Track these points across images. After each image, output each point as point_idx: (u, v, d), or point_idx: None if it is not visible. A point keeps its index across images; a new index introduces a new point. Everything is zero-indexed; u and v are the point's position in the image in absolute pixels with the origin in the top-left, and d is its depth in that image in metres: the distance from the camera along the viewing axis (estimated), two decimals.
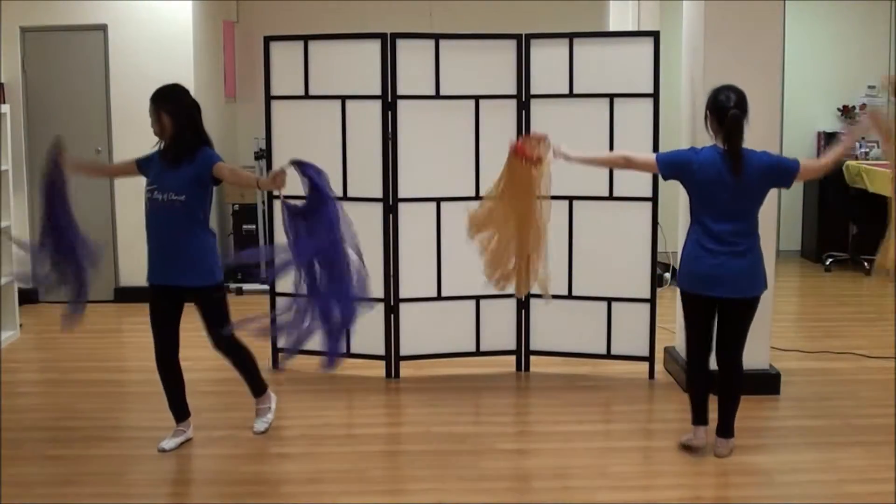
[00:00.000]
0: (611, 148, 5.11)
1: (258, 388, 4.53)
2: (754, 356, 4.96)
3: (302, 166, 3.84)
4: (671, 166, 4.01)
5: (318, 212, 3.84)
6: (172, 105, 4.17)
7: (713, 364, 4.13)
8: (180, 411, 4.39)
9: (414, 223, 5.25)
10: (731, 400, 4.12)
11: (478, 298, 5.32)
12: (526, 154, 4.12)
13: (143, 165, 4.30)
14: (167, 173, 4.13)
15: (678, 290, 4.13)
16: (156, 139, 4.27)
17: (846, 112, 8.66)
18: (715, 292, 3.94)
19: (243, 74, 8.37)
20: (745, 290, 3.95)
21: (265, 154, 5.59)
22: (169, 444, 4.28)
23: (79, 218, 7.29)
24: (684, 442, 4.17)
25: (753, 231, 3.97)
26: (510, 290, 4.36)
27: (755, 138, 4.85)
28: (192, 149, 4.13)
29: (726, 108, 3.87)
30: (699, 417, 4.15)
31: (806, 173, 4.09)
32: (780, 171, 3.99)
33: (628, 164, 4.24)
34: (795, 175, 4.02)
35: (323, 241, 3.83)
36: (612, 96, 5.11)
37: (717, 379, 4.13)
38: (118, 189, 7.12)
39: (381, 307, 5.27)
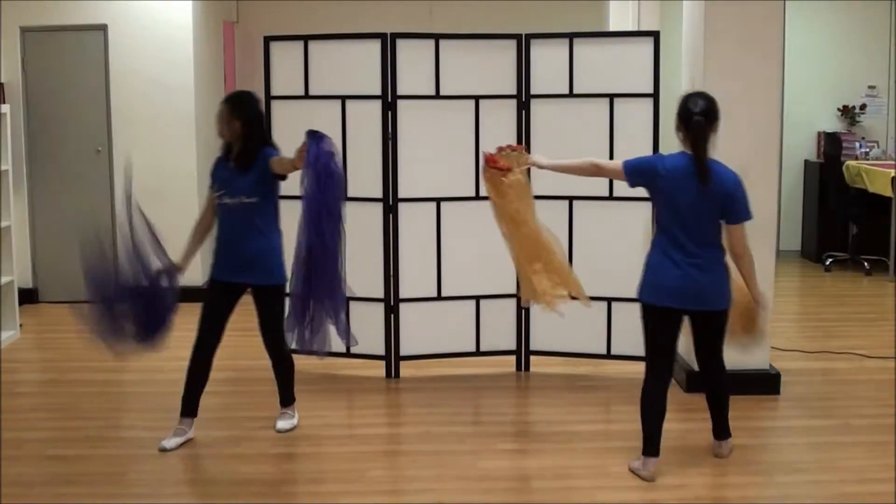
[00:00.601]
0: (611, 148, 5.11)
1: (288, 398, 4.57)
2: (754, 356, 4.96)
3: (315, 137, 3.95)
4: (637, 173, 3.88)
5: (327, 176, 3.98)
6: (246, 111, 4.25)
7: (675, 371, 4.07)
8: (191, 408, 4.38)
9: (414, 223, 5.25)
10: (724, 403, 4.07)
11: (478, 298, 5.32)
12: (497, 164, 4.15)
13: (211, 178, 4.39)
14: (237, 177, 4.23)
15: (641, 308, 3.89)
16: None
17: (846, 112, 8.66)
18: (684, 305, 3.80)
19: (243, 74, 8.37)
20: (708, 303, 3.82)
21: None
22: (170, 443, 4.28)
23: (79, 218, 7.33)
24: (633, 469, 3.94)
25: (719, 244, 3.83)
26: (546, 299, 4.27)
27: (755, 138, 4.87)
28: (258, 152, 4.22)
29: (692, 114, 3.74)
30: (654, 447, 3.89)
31: (735, 243, 3.81)
32: (737, 209, 3.79)
33: (598, 171, 4.10)
34: (736, 223, 3.80)
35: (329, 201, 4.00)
36: (612, 96, 5.11)
37: (706, 386, 4.09)
38: (118, 188, 7.11)
39: (381, 307, 5.28)
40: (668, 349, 3.90)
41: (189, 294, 7.19)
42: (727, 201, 3.78)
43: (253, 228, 4.23)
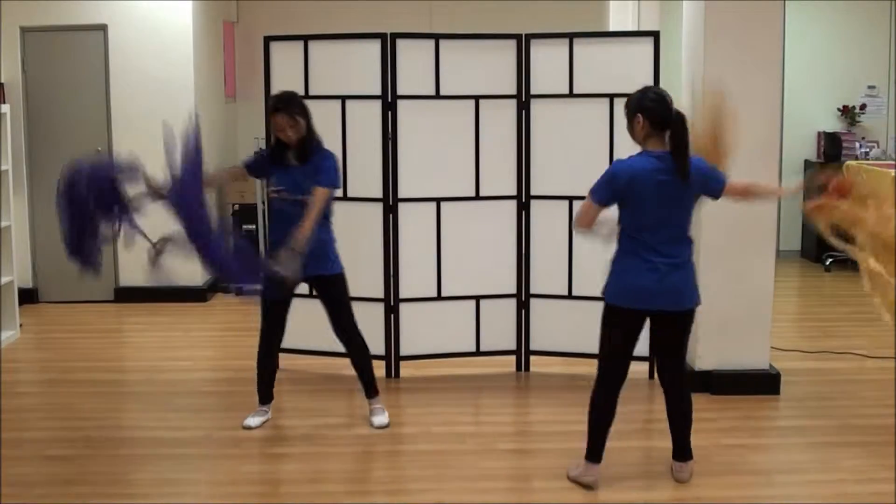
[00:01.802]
0: (611, 148, 5.11)
1: (372, 387, 4.62)
2: (754, 356, 4.98)
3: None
4: (609, 196, 3.65)
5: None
6: (302, 109, 4.35)
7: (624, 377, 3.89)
8: (267, 396, 4.59)
9: (414, 223, 5.25)
10: (686, 419, 3.87)
11: (478, 298, 5.33)
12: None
13: (253, 168, 4.59)
14: (297, 176, 4.30)
15: (604, 306, 3.76)
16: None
17: (846, 112, 8.66)
18: (651, 305, 3.67)
19: (243, 74, 8.37)
20: (683, 303, 3.73)
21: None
22: (254, 421, 4.51)
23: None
24: (574, 477, 3.87)
25: (689, 240, 3.75)
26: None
27: (755, 138, 4.87)
28: (315, 150, 4.35)
29: (668, 109, 3.61)
30: (598, 454, 3.81)
31: (731, 190, 3.76)
32: (713, 180, 3.73)
33: (582, 224, 3.74)
34: (722, 188, 3.74)
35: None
36: (612, 96, 5.11)
37: (667, 399, 3.87)
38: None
39: (381, 307, 5.28)
40: (629, 354, 3.78)
41: (190, 294, 7.23)
42: (706, 180, 3.70)
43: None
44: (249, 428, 4.49)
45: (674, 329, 3.78)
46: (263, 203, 7.17)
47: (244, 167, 4.59)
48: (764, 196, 3.96)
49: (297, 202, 4.26)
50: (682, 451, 3.89)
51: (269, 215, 4.48)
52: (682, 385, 3.86)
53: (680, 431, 3.88)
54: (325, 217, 4.38)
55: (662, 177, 3.60)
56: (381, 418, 4.54)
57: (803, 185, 3.93)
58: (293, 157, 4.36)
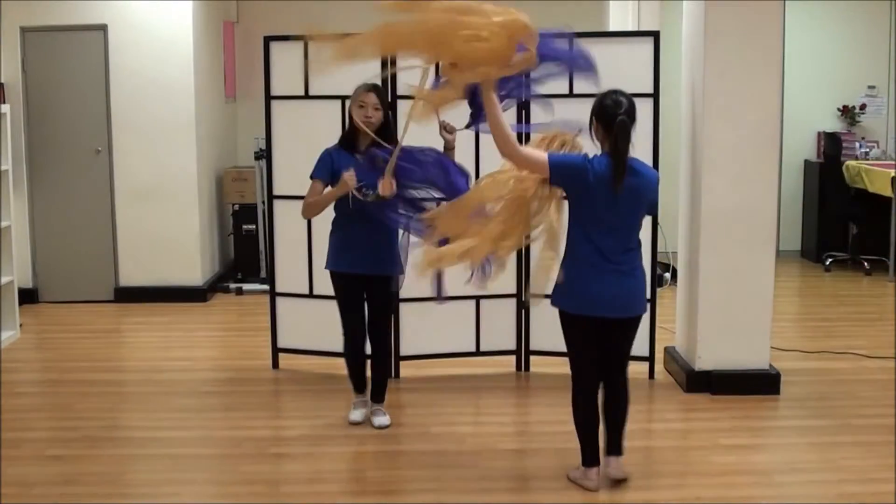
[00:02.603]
0: None
1: (383, 394, 4.58)
2: (754, 356, 4.98)
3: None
4: (564, 169, 3.62)
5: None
6: (387, 100, 4.31)
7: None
8: (361, 385, 4.58)
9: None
10: (624, 416, 3.85)
11: (478, 298, 5.32)
12: None
13: (323, 173, 4.34)
14: (363, 167, 4.20)
15: (559, 314, 3.74)
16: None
17: (846, 112, 8.66)
18: (605, 313, 3.65)
19: (243, 74, 8.37)
20: (635, 309, 3.73)
21: (265, 154, 5.59)
22: (356, 415, 4.52)
23: (79, 217, 7.33)
24: (574, 479, 3.87)
25: (638, 247, 3.74)
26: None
27: (755, 138, 4.87)
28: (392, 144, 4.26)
29: (614, 115, 3.57)
30: (594, 457, 3.82)
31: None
32: (652, 205, 3.79)
33: (514, 152, 3.70)
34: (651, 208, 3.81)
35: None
36: None
37: (606, 395, 3.82)
38: (118, 189, 7.12)
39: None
40: (596, 356, 3.76)
41: (190, 294, 7.22)
42: (650, 199, 3.73)
43: (382, 221, 4.25)
44: (357, 423, 4.49)
45: (621, 335, 3.78)
46: (263, 203, 7.17)
47: (320, 181, 4.32)
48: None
49: (377, 198, 4.14)
50: (618, 445, 3.86)
51: (343, 212, 4.29)
52: (625, 388, 3.85)
53: (617, 426, 3.85)
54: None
55: (609, 181, 3.58)
56: (383, 419, 4.53)
57: None
58: (370, 149, 4.22)
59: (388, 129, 4.32)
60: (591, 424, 3.82)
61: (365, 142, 4.28)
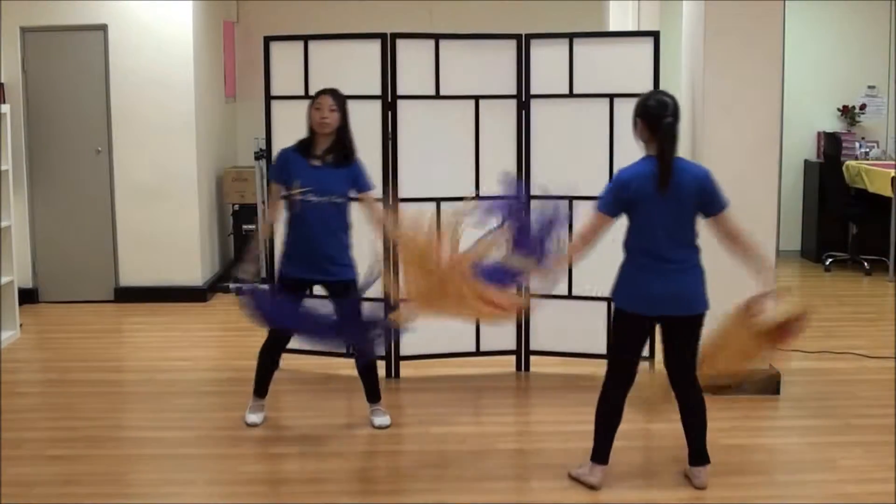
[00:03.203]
0: (611, 148, 5.11)
1: (377, 392, 4.59)
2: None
3: None
4: (614, 205, 3.65)
5: None
6: (345, 107, 4.32)
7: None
8: (265, 390, 4.55)
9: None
10: (702, 424, 3.82)
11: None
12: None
13: (280, 180, 4.35)
14: (324, 175, 4.25)
15: (614, 311, 3.79)
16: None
17: (846, 112, 8.66)
18: (661, 311, 3.67)
19: (243, 74, 8.37)
20: (692, 307, 3.72)
21: (265, 154, 5.59)
22: (257, 417, 4.52)
23: (79, 217, 7.33)
24: (577, 476, 3.87)
25: (696, 245, 3.74)
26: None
27: (755, 138, 4.87)
28: (352, 152, 4.33)
29: (661, 116, 3.58)
30: (606, 455, 3.83)
31: (722, 224, 3.72)
32: (713, 202, 3.69)
33: (584, 241, 3.72)
34: (721, 211, 3.69)
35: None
36: (612, 96, 5.11)
37: (680, 406, 3.81)
38: (118, 189, 7.12)
39: (380, 307, 5.26)
40: (638, 358, 3.81)
41: (190, 294, 7.23)
42: (702, 195, 3.68)
43: (337, 228, 4.30)
44: (255, 425, 4.49)
45: (682, 334, 3.76)
46: (263, 203, 7.18)
47: (277, 184, 4.35)
48: (741, 255, 3.77)
49: (328, 204, 4.19)
50: (702, 455, 3.83)
51: (291, 217, 4.32)
52: (699, 391, 3.81)
53: (699, 435, 3.83)
54: (349, 221, 4.38)
55: (657, 182, 3.60)
56: (383, 419, 4.52)
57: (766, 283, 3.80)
58: (322, 154, 4.28)
59: (345, 131, 4.33)
60: (612, 423, 3.82)
61: (322, 146, 4.30)
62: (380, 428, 4.47)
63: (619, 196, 3.66)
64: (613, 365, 3.84)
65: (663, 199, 3.61)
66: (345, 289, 4.36)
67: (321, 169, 4.28)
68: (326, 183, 4.24)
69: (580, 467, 3.89)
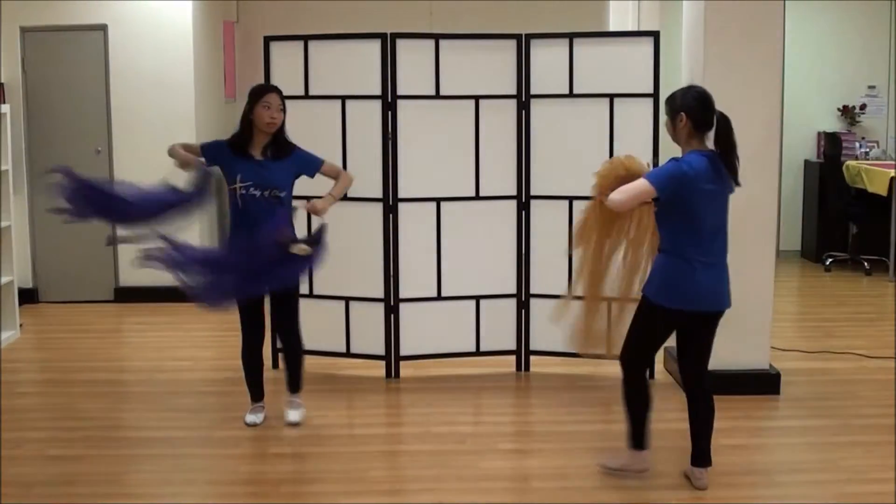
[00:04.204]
0: (611, 148, 5.11)
1: (298, 383, 4.61)
2: (754, 356, 4.98)
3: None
4: (669, 182, 3.55)
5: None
6: (285, 102, 4.33)
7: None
8: (260, 393, 4.62)
9: (414, 223, 5.25)
10: (710, 426, 3.82)
11: (478, 298, 5.32)
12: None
13: (210, 152, 4.35)
14: (264, 169, 4.25)
15: (649, 306, 3.73)
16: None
17: (846, 112, 8.66)
18: (711, 307, 3.70)
19: (243, 74, 8.37)
20: (726, 302, 3.76)
21: None
22: (257, 417, 4.56)
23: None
24: (621, 466, 3.91)
25: (727, 242, 3.77)
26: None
27: (755, 138, 4.87)
28: (289, 145, 4.34)
29: (712, 109, 3.61)
30: (643, 440, 3.86)
31: None
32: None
33: (627, 206, 3.66)
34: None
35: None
36: (612, 96, 5.11)
37: (690, 403, 3.83)
38: None
39: (381, 307, 5.27)
40: (655, 351, 3.94)
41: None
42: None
43: (279, 220, 4.25)
44: (255, 425, 4.50)
45: (705, 331, 3.78)
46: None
47: (200, 149, 4.35)
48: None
49: (271, 197, 4.22)
50: (705, 456, 3.84)
51: (233, 212, 4.32)
52: (705, 389, 3.82)
53: (705, 435, 3.83)
54: (291, 215, 4.34)
55: (714, 177, 3.61)
56: (295, 413, 4.55)
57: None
58: (262, 150, 4.29)
59: (283, 131, 4.35)
60: (646, 407, 3.85)
61: (261, 142, 4.30)
62: (293, 424, 4.48)
63: (678, 191, 3.57)
64: (635, 358, 3.83)
65: (716, 196, 3.62)
66: (291, 287, 4.40)
67: (262, 163, 4.28)
68: (269, 177, 4.24)
69: (617, 458, 3.92)
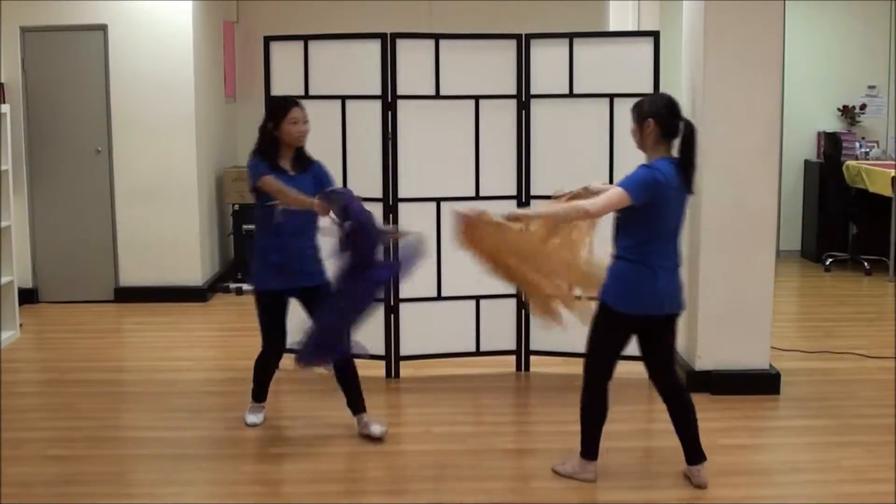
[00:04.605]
0: (611, 148, 5.11)
1: (363, 401, 4.49)
2: (754, 356, 4.98)
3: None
4: (644, 190, 3.56)
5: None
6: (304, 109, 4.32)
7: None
8: (264, 395, 4.56)
9: (414, 223, 5.23)
10: (693, 423, 3.82)
11: (478, 298, 5.32)
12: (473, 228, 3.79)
13: (269, 171, 4.26)
14: (298, 183, 4.23)
15: (607, 312, 3.71)
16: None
17: (846, 112, 8.66)
18: (665, 310, 3.72)
19: (243, 74, 8.37)
20: (683, 304, 3.81)
21: None
22: (257, 418, 4.53)
23: (79, 217, 7.34)
24: (569, 473, 3.91)
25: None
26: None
27: (755, 138, 4.87)
28: (309, 157, 4.35)
29: (679, 118, 3.63)
30: (596, 451, 3.88)
31: None
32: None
33: (588, 214, 3.68)
34: None
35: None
36: (612, 96, 5.11)
37: (668, 406, 3.85)
38: (118, 189, 7.12)
39: (381, 307, 5.27)
40: (618, 358, 3.83)
41: (190, 294, 7.23)
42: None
43: (310, 233, 4.27)
44: (255, 425, 4.48)
45: (669, 333, 3.82)
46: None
47: (272, 177, 4.23)
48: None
49: (305, 211, 4.16)
50: (698, 453, 3.84)
51: (266, 227, 4.26)
52: (679, 388, 3.86)
53: (692, 435, 3.84)
54: (317, 227, 4.32)
55: (680, 183, 3.64)
56: (377, 427, 4.42)
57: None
58: (290, 163, 4.28)
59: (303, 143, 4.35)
60: (602, 418, 3.86)
61: (288, 155, 4.28)
62: (380, 438, 4.37)
63: (653, 195, 3.58)
64: (599, 365, 3.83)
65: (680, 201, 3.68)
66: (320, 292, 4.26)
67: (294, 177, 4.25)
68: (305, 189, 4.20)
69: (566, 464, 3.92)
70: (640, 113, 3.69)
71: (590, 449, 3.87)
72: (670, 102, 3.68)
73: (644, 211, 3.60)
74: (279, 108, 4.27)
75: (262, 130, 4.31)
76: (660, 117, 3.63)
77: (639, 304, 3.68)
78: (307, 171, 4.32)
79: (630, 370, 5.23)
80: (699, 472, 3.83)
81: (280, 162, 4.27)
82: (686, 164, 3.65)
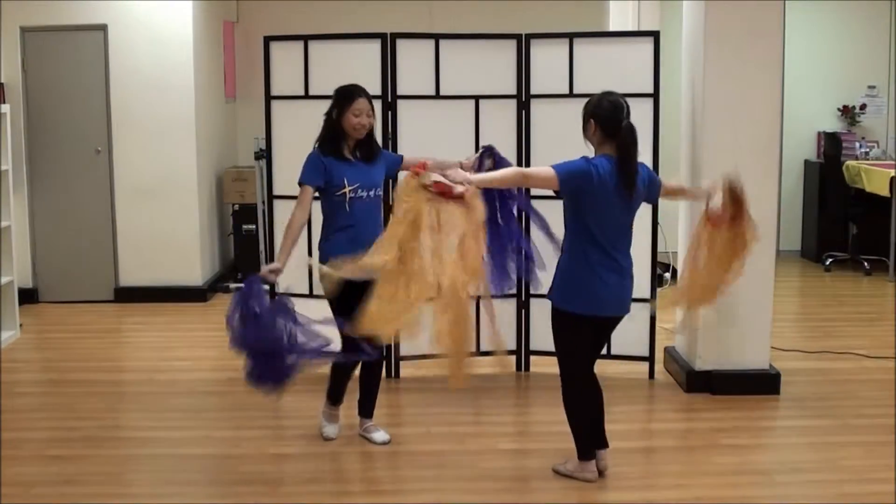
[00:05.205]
0: None
1: (373, 408, 4.47)
2: (754, 356, 4.98)
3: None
4: (572, 177, 3.59)
5: None
6: (373, 105, 4.26)
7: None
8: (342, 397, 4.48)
9: None
10: (603, 410, 3.91)
11: (478, 298, 5.31)
12: (446, 193, 3.55)
13: (318, 178, 4.15)
14: (366, 170, 4.20)
15: (559, 314, 3.75)
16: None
17: (846, 112, 8.66)
18: (612, 311, 3.75)
19: (243, 74, 8.37)
20: (627, 308, 3.80)
21: (265, 154, 5.59)
22: (333, 430, 4.42)
23: (79, 217, 7.33)
24: (569, 473, 3.91)
25: (630, 246, 3.79)
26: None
27: (755, 138, 4.87)
28: (378, 145, 4.34)
29: (619, 119, 3.61)
30: (590, 449, 3.87)
31: (665, 191, 3.94)
32: (654, 186, 3.82)
33: (525, 180, 3.88)
34: (658, 193, 3.91)
35: None
36: None
37: (596, 397, 3.89)
38: (118, 189, 7.12)
39: None
40: (588, 352, 3.85)
41: (190, 294, 7.22)
42: (650, 189, 3.79)
43: (379, 221, 4.22)
44: (331, 439, 4.35)
45: (609, 333, 3.94)
46: (263, 203, 7.17)
47: (312, 189, 4.15)
48: (690, 199, 4.29)
49: (375, 197, 4.16)
50: (604, 438, 3.91)
51: (336, 217, 4.17)
52: (595, 377, 3.92)
53: (601, 420, 3.91)
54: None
55: (617, 182, 3.62)
56: (382, 434, 4.40)
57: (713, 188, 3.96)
58: (358, 152, 4.20)
59: (372, 132, 4.28)
60: (587, 414, 3.87)
61: (351, 145, 4.22)
62: (384, 444, 4.34)
63: (579, 185, 3.60)
64: (571, 367, 3.83)
65: (618, 200, 3.64)
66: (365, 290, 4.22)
67: (360, 165, 4.19)
68: (370, 177, 4.18)
69: (566, 464, 3.93)
70: (584, 113, 3.75)
71: (584, 449, 3.87)
72: (614, 104, 3.66)
73: (572, 203, 3.66)
74: (345, 96, 4.18)
75: (326, 117, 4.24)
76: (599, 118, 3.67)
77: (579, 304, 3.69)
78: (376, 158, 4.25)
79: (630, 370, 5.26)
80: (604, 455, 3.91)
81: (344, 151, 4.19)
82: (622, 165, 3.61)
